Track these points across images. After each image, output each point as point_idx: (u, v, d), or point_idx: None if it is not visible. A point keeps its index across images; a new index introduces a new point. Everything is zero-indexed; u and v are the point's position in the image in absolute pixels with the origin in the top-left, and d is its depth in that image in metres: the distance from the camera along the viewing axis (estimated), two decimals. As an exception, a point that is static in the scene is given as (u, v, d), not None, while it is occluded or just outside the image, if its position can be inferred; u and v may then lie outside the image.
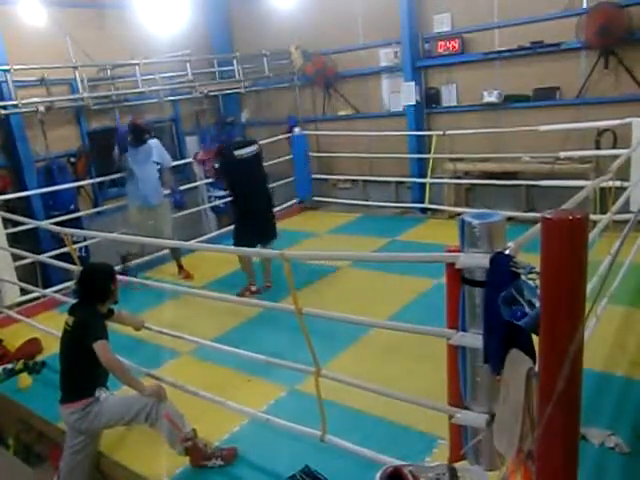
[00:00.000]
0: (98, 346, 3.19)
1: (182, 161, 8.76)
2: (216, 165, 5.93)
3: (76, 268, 4.61)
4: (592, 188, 3.85)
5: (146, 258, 6.87)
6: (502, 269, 1.98)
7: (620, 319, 4.40)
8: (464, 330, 2.27)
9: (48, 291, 5.85)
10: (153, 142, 6.48)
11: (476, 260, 2.11)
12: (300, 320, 2.90)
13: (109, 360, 3.24)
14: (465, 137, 7.81)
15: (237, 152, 5.64)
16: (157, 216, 6.44)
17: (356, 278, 5.96)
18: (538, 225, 2.11)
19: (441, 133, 7.82)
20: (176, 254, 6.68)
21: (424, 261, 2.75)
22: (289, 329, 4.68)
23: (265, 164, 8.96)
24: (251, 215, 5.67)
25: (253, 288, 5.79)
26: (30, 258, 6.07)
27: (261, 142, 8.96)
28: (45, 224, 5.85)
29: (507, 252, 2.04)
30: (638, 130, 5.93)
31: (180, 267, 6.68)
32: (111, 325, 3.63)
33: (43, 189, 6.92)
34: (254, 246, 5.45)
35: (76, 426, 3.35)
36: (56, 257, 5.87)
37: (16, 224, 6.15)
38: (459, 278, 2.23)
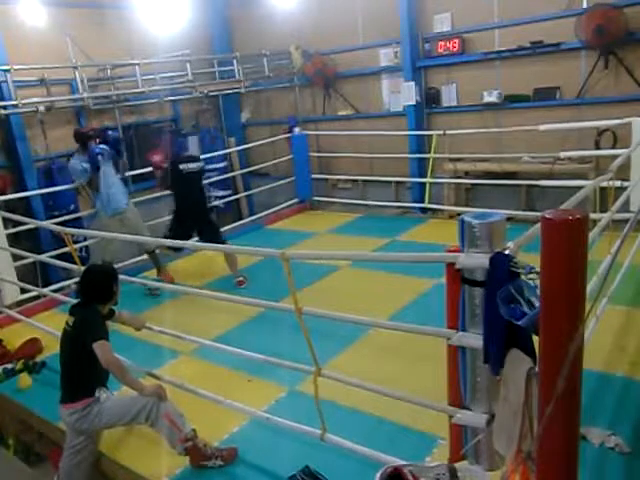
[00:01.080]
0: (98, 346, 3.19)
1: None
2: (160, 173, 6.29)
3: (77, 267, 4.61)
4: (592, 188, 3.85)
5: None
6: (502, 269, 1.98)
7: (620, 319, 4.40)
8: (464, 330, 2.27)
9: (47, 290, 5.85)
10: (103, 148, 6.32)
11: (476, 260, 2.11)
12: (300, 320, 2.90)
13: (109, 360, 3.23)
14: (465, 137, 7.81)
15: (182, 166, 6.05)
16: (130, 217, 6.32)
17: (356, 278, 5.96)
18: (538, 225, 2.11)
19: (441, 133, 7.82)
20: (155, 260, 6.56)
21: (424, 261, 2.75)
22: (289, 329, 4.68)
23: (265, 164, 9.09)
24: (188, 221, 6.15)
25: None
26: (30, 258, 6.08)
27: (261, 142, 9.12)
28: (45, 224, 5.86)
29: (507, 252, 2.04)
30: (638, 130, 5.93)
31: (159, 271, 6.54)
32: (111, 325, 3.63)
33: (43, 190, 6.91)
34: (188, 233, 6.10)
35: (76, 426, 3.34)
36: (56, 257, 5.87)
37: (16, 224, 6.15)
38: (459, 278, 2.23)
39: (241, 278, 6.11)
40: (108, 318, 3.57)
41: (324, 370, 3.08)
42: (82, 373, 3.33)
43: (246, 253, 4.81)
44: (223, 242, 6.11)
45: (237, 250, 4.86)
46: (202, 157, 9.02)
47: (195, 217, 6.17)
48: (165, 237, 6.03)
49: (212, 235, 6.03)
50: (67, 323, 3.40)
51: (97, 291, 3.42)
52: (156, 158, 6.28)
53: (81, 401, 3.30)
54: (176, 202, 6.27)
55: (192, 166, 6.12)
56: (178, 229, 6.07)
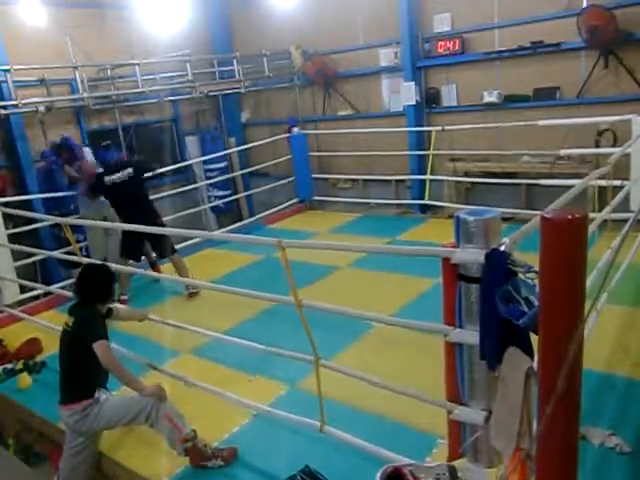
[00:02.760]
0: (98, 346, 3.19)
1: (183, 163, 8.76)
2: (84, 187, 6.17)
3: (77, 258, 4.66)
4: (590, 182, 3.83)
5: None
6: (498, 266, 1.98)
7: (621, 319, 4.39)
8: (461, 327, 2.27)
9: (49, 288, 5.84)
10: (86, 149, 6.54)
11: (472, 256, 2.12)
12: (299, 312, 2.90)
13: (109, 360, 3.23)
14: (465, 138, 7.80)
15: (107, 178, 5.83)
16: (111, 213, 6.38)
17: (356, 278, 5.96)
18: (533, 221, 2.11)
19: (439, 128, 7.82)
20: (148, 255, 6.56)
21: (420, 255, 2.75)
22: (289, 329, 4.68)
23: (265, 164, 9.08)
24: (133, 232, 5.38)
25: (123, 297, 5.94)
26: (32, 256, 6.11)
27: (261, 142, 9.11)
28: (46, 217, 5.88)
29: (502, 248, 2.05)
30: (638, 127, 5.93)
31: (153, 266, 6.57)
32: (112, 325, 3.63)
33: (44, 194, 6.92)
34: (138, 242, 5.95)
35: (76, 428, 3.34)
36: (56, 259, 5.89)
37: (16, 225, 6.15)
38: (455, 274, 2.23)
39: (192, 290, 5.92)
40: (107, 317, 3.56)
41: (323, 364, 3.09)
42: (82, 374, 3.32)
43: (243, 241, 4.78)
44: (173, 248, 6.07)
45: (235, 238, 4.82)
46: (203, 159, 9.13)
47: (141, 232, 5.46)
48: (120, 253, 5.95)
49: (162, 240, 5.88)
50: (66, 324, 3.40)
51: (96, 291, 3.41)
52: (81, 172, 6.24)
53: (81, 402, 3.29)
54: (117, 213, 6.10)
55: (117, 176, 5.84)
56: (126, 239, 5.90)
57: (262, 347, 3.50)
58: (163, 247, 6.01)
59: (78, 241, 6.56)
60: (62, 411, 3.37)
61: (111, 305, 3.65)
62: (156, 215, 6.12)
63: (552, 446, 1.81)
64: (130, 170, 5.92)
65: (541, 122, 6.76)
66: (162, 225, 6.04)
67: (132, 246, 5.91)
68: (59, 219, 5.13)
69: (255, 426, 3.61)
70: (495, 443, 2.12)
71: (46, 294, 6.12)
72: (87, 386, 3.35)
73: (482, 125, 7.50)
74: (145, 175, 6.19)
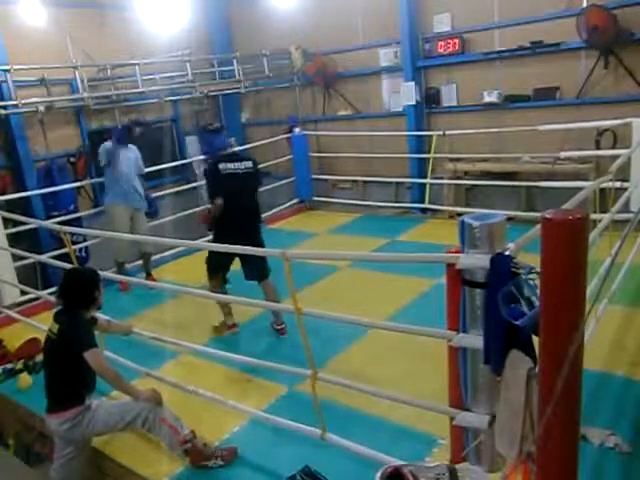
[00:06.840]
0: (90, 354, 3.10)
1: (182, 162, 8.75)
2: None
3: (70, 266, 4.61)
4: (592, 189, 3.84)
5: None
6: (502, 270, 1.98)
7: (620, 319, 4.39)
8: (465, 331, 2.27)
9: (39, 293, 5.80)
10: (134, 147, 6.40)
11: (476, 261, 2.11)
12: (299, 320, 2.89)
13: (102, 368, 3.17)
14: (465, 137, 7.80)
15: (221, 165, 4.75)
16: (138, 220, 6.35)
17: (356, 279, 5.95)
18: (539, 226, 2.11)
19: (441, 133, 7.83)
20: (147, 264, 6.62)
21: (424, 261, 2.75)
22: (289, 329, 4.68)
23: (264, 164, 9.06)
24: (230, 239, 3.90)
25: (229, 322, 4.95)
26: (30, 258, 6.06)
27: (261, 142, 9.10)
28: (46, 223, 5.85)
29: (507, 253, 2.04)
30: (638, 130, 5.92)
31: (149, 275, 6.57)
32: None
33: (43, 190, 6.89)
34: (227, 266, 4.92)
35: (67, 436, 3.26)
36: (55, 258, 5.85)
37: (16, 224, 6.14)
38: (459, 279, 2.23)
39: (283, 326, 4.75)
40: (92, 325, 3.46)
41: (322, 372, 3.08)
42: (71, 381, 3.24)
43: (247, 253, 4.71)
44: (267, 269, 4.78)
45: (237, 249, 4.57)
46: (202, 158, 9.09)
47: (239, 233, 4.44)
48: (208, 271, 4.92)
49: (258, 265, 4.68)
50: (51, 331, 3.28)
51: (78, 296, 3.31)
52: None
53: (72, 409, 3.21)
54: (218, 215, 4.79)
55: (234, 166, 4.76)
56: (216, 255, 4.73)
57: (256, 361, 3.48)
58: (259, 269, 4.76)
59: (77, 242, 6.56)
60: (50, 420, 3.27)
61: (95, 315, 3.56)
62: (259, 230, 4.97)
63: (552, 446, 1.81)
64: (248, 165, 4.83)
65: (541, 127, 6.74)
66: (262, 244, 4.81)
67: (222, 261, 4.82)
68: (58, 227, 5.08)
69: (255, 426, 3.60)
70: (499, 447, 2.12)
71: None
72: (77, 392, 3.27)
73: (483, 130, 7.49)
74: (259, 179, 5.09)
